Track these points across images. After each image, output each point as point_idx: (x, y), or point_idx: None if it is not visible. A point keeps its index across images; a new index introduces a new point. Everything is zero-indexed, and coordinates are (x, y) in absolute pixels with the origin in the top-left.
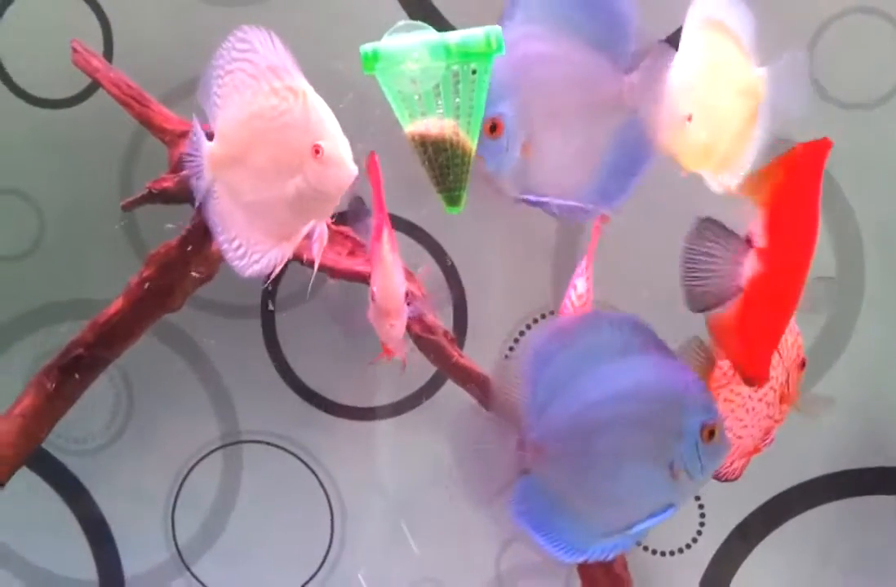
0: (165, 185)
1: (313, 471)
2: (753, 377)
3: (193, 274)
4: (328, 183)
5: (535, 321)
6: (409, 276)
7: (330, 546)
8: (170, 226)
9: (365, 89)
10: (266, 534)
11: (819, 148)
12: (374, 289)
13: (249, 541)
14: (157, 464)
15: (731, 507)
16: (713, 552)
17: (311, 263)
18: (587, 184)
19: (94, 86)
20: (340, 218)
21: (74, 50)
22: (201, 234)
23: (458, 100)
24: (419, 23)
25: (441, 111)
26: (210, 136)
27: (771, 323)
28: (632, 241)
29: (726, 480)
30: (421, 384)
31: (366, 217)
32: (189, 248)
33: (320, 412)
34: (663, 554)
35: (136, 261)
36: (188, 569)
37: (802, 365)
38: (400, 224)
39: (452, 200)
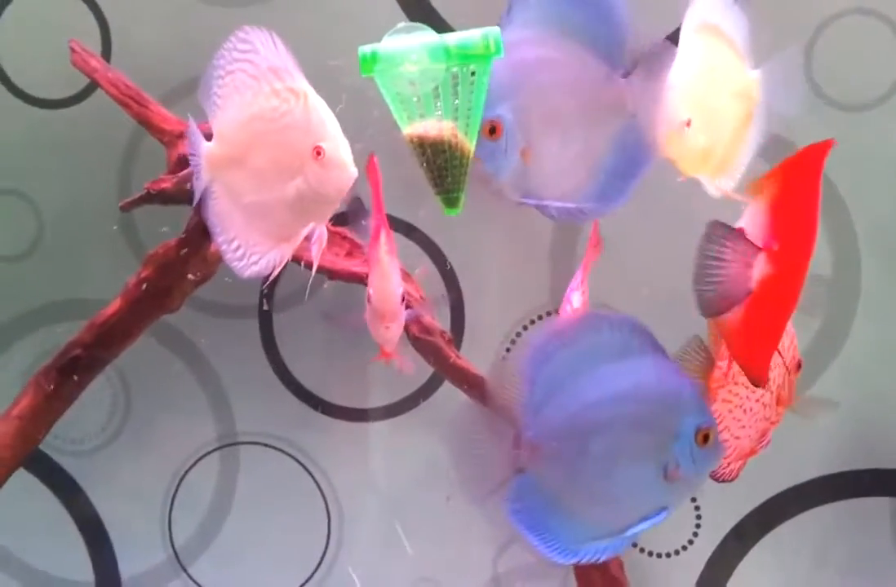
0: (164, 185)
1: (310, 473)
2: (754, 378)
3: (190, 276)
4: (329, 185)
5: (533, 322)
6: (407, 277)
7: (327, 547)
8: (165, 230)
9: (363, 90)
10: (263, 535)
11: (821, 149)
12: (371, 291)
13: (246, 542)
14: (154, 465)
15: (726, 509)
16: (709, 554)
17: (309, 266)
18: (586, 187)
19: (93, 86)
20: (339, 218)
21: (73, 50)
22: (200, 234)
23: (456, 101)
24: (419, 24)
25: (440, 113)
26: (208, 137)
27: (773, 324)
28: (631, 241)
29: (723, 481)
30: (418, 386)
31: (364, 217)
32: (187, 249)
33: (317, 413)
34: (660, 555)
35: (135, 261)
36: (185, 570)
37: (798, 366)
38: (398, 225)
39: (451, 202)
